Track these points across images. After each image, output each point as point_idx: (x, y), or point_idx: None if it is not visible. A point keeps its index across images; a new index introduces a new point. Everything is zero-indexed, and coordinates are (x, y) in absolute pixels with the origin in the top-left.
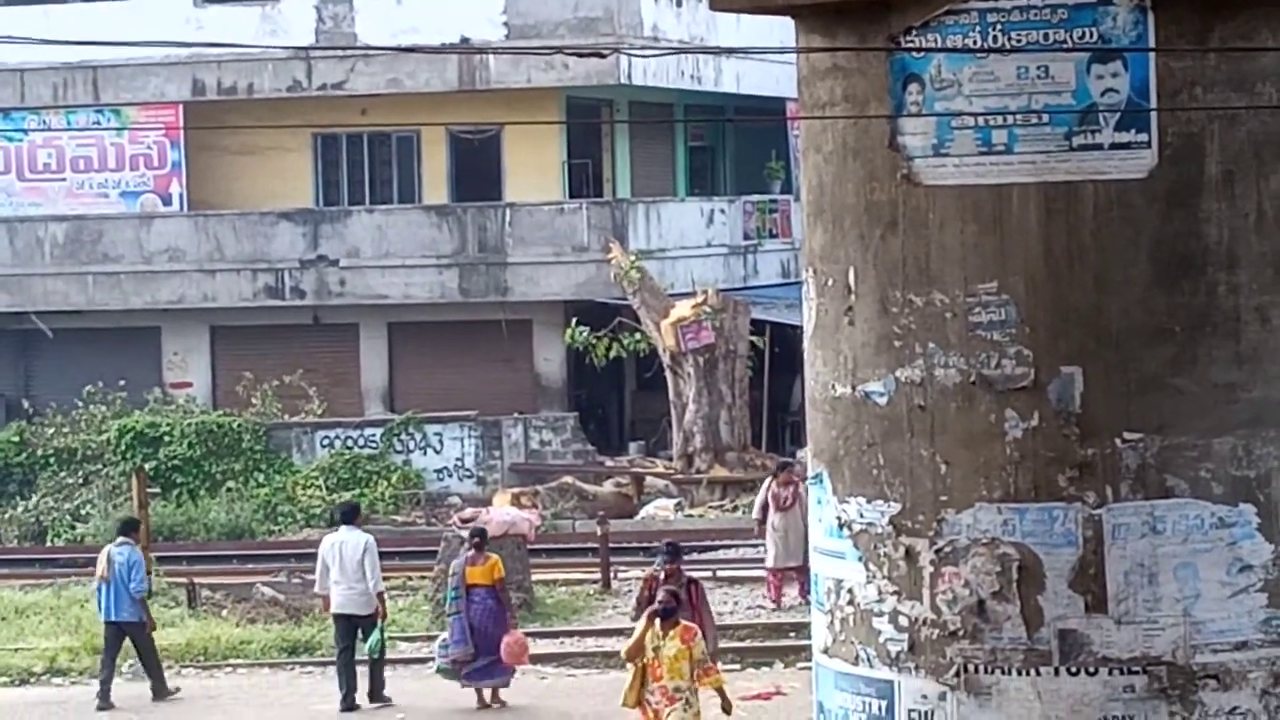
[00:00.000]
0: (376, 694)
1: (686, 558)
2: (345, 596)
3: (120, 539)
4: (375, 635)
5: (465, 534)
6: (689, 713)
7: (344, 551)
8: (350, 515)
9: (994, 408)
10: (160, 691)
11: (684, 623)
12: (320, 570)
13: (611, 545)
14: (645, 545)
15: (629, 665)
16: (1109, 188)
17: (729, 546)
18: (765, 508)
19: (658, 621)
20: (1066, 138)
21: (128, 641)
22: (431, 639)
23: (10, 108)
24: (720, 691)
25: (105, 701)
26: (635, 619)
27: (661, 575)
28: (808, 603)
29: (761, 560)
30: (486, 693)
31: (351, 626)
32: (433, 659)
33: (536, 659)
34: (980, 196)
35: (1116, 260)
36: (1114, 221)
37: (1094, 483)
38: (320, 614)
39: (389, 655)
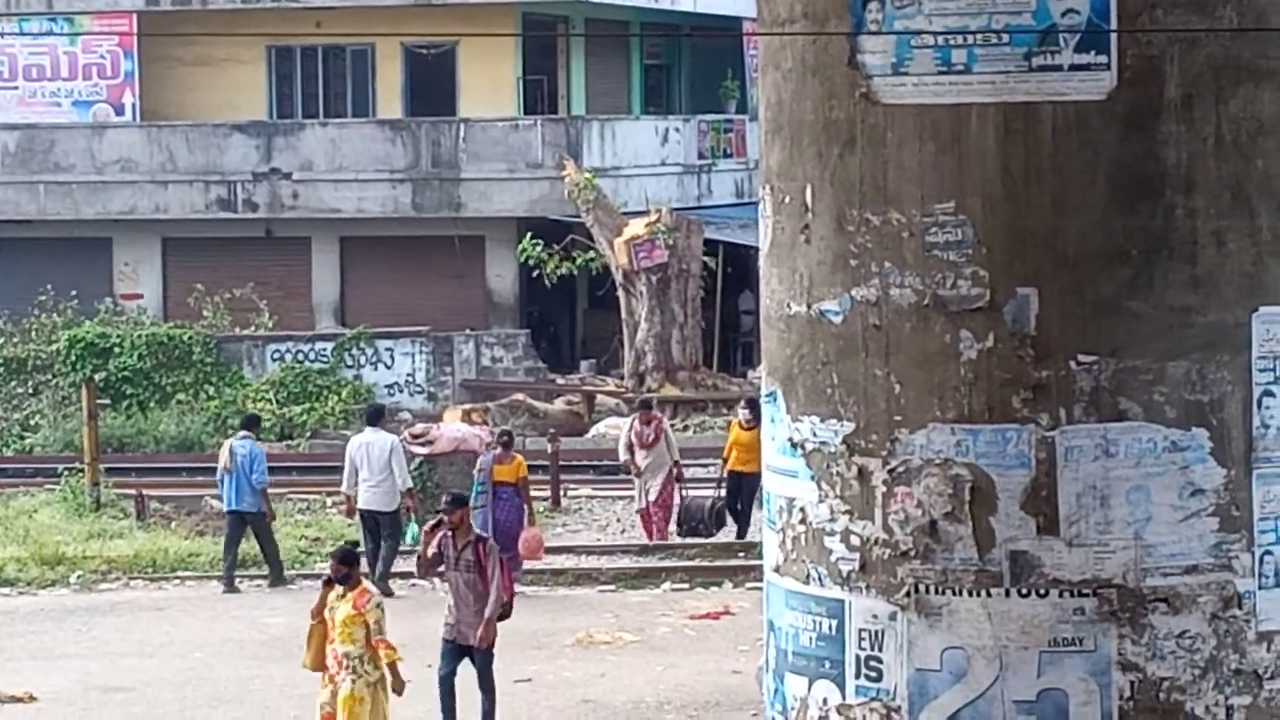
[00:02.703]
0: (385, 582)
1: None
2: (371, 494)
3: (242, 433)
4: (412, 527)
5: (417, 449)
6: (359, 682)
7: (370, 452)
8: (375, 417)
9: (949, 328)
10: (277, 579)
11: (363, 585)
12: (349, 471)
13: (562, 463)
14: (596, 464)
15: (312, 622)
16: (1068, 109)
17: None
18: (630, 449)
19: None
20: (1026, 58)
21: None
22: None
23: None
24: (391, 668)
25: (230, 586)
26: (421, 576)
27: (447, 530)
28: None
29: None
30: None
31: (376, 522)
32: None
33: None
34: (939, 116)
35: (1074, 182)
36: (1072, 143)
37: (1048, 405)
38: (345, 515)
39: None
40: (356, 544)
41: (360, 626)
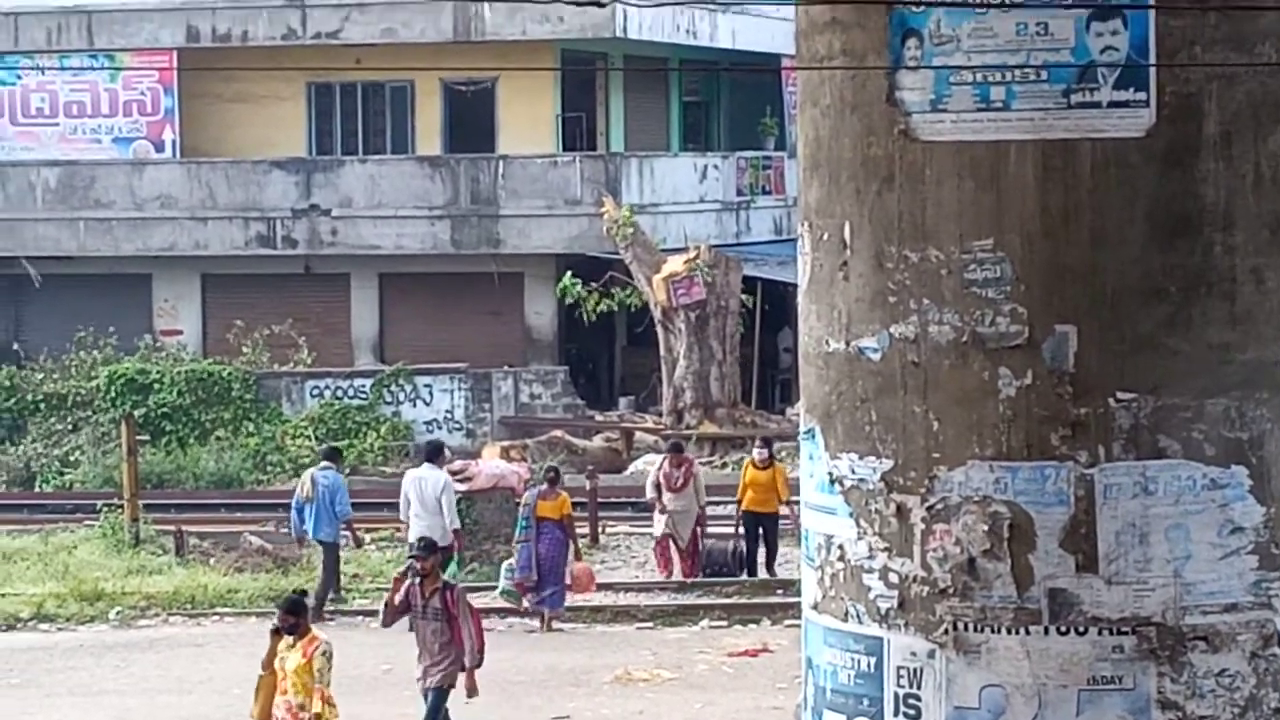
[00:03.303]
0: None
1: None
2: (422, 528)
3: (324, 464)
4: (453, 566)
5: (455, 486)
6: None
7: (423, 487)
8: (433, 454)
9: (988, 365)
10: (318, 609)
11: (313, 634)
12: (403, 502)
13: (600, 500)
14: (634, 501)
15: (262, 674)
16: (1106, 146)
17: (716, 503)
18: (658, 487)
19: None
20: (1065, 95)
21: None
22: None
23: (4, 51)
24: None
25: (319, 609)
26: (384, 624)
27: (416, 577)
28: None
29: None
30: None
31: None
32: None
33: (524, 612)
34: (977, 153)
35: (1113, 219)
36: (1111, 180)
37: (1087, 442)
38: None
39: None
40: (304, 593)
41: (310, 675)
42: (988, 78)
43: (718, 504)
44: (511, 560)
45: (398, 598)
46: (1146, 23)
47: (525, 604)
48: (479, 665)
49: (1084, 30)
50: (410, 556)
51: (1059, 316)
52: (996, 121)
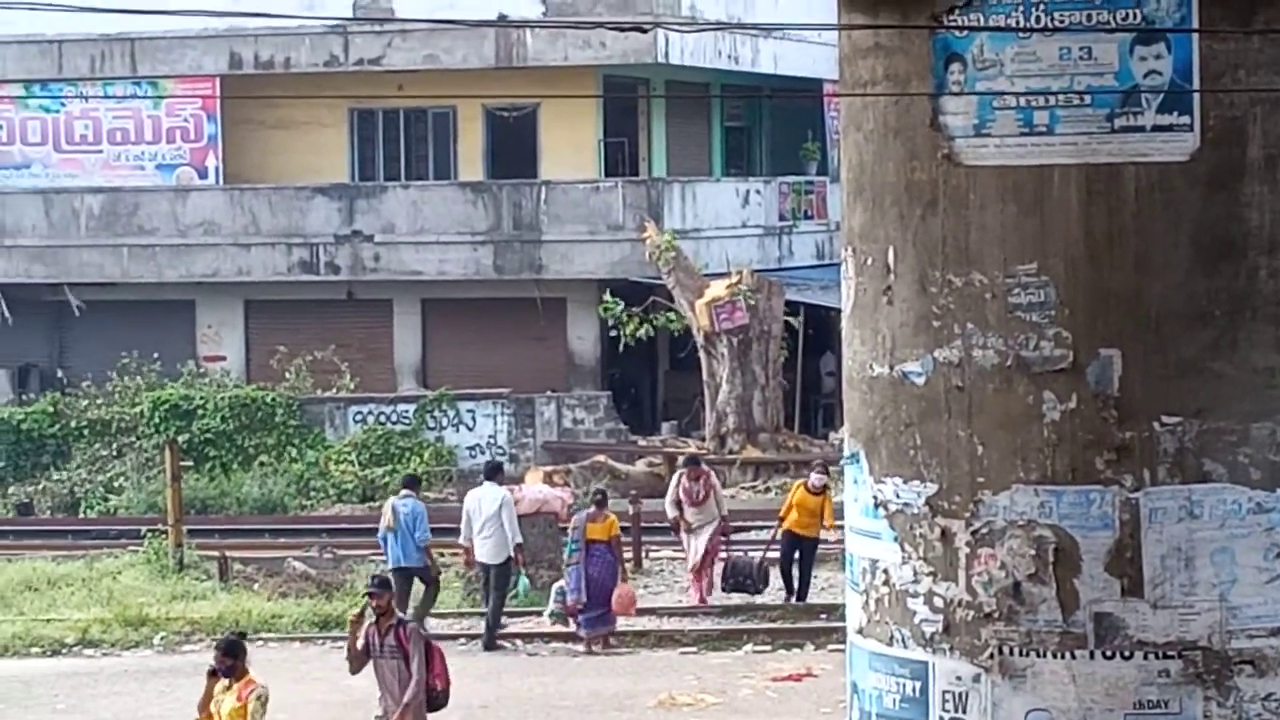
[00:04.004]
0: (490, 638)
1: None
2: (483, 546)
3: (404, 492)
4: (523, 582)
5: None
6: None
7: (483, 505)
8: (492, 472)
9: (1032, 389)
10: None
11: (249, 677)
12: (465, 522)
13: (644, 525)
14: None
15: (198, 716)
16: (1150, 170)
17: (761, 527)
18: (678, 504)
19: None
20: (1108, 119)
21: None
22: (463, 616)
23: (48, 79)
24: None
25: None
26: (353, 672)
27: (374, 615)
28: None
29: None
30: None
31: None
32: (465, 635)
33: (568, 637)
34: (1021, 177)
35: (1157, 243)
36: (1155, 204)
37: (1131, 466)
38: (465, 566)
39: None
40: (243, 634)
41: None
42: (1031, 102)
43: (760, 528)
44: (562, 583)
45: (359, 642)
46: (1190, 47)
47: (574, 627)
48: (440, 706)
49: (1128, 54)
50: (365, 593)
51: (1103, 340)
52: (1040, 146)
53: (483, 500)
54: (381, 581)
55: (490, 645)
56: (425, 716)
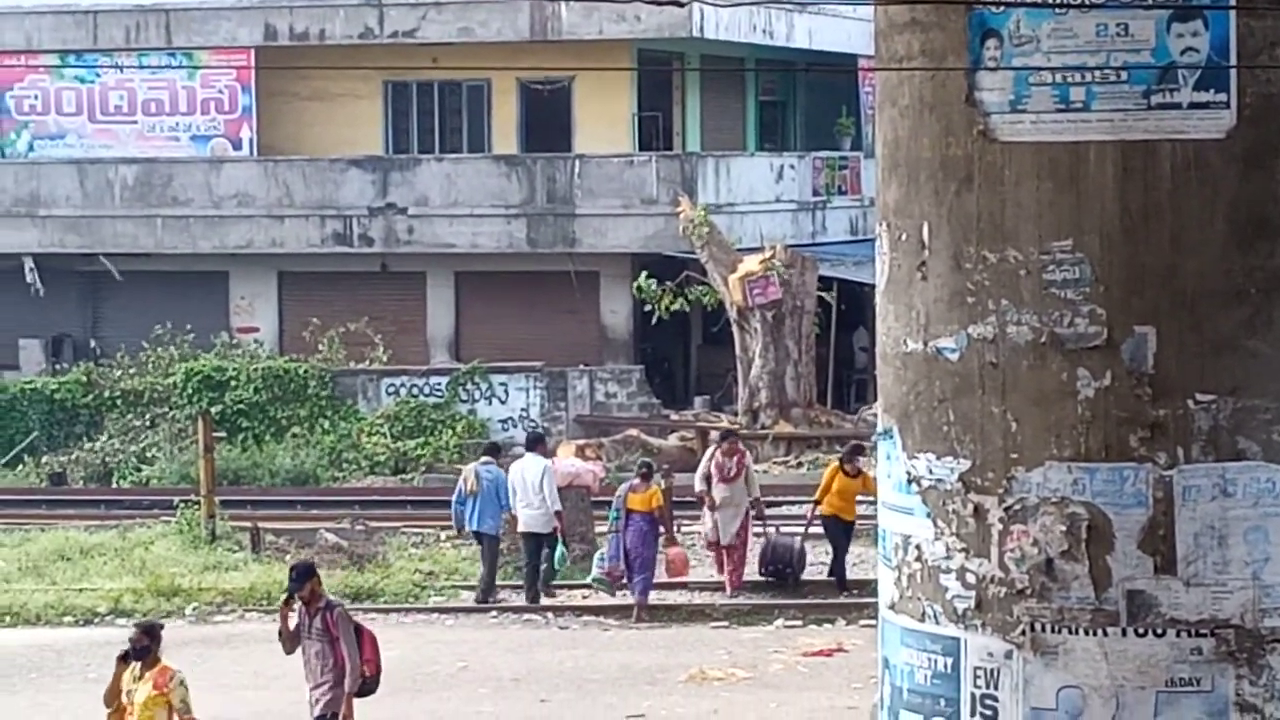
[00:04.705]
0: (533, 599)
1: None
2: (528, 516)
3: (484, 458)
4: (560, 550)
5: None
6: None
7: (526, 476)
8: (533, 443)
9: (1066, 366)
10: (482, 598)
11: (163, 664)
12: (509, 492)
13: (675, 499)
14: None
15: (107, 710)
16: (1186, 147)
17: (793, 503)
18: (708, 479)
19: (134, 663)
20: (1145, 96)
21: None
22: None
23: (83, 49)
24: None
25: (485, 599)
26: (287, 652)
27: (296, 601)
28: (735, 589)
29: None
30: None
31: (537, 543)
32: (497, 608)
33: (599, 610)
34: (1057, 154)
35: (1192, 220)
36: (1191, 181)
37: (1165, 444)
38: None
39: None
40: (160, 624)
41: (163, 708)
42: (1067, 78)
43: (792, 503)
44: (603, 549)
45: (292, 622)
46: (1227, 24)
47: (615, 592)
48: (365, 689)
49: (1164, 31)
50: (287, 590)
51: (1138, 318)
52: (1076, 122)
53: (526, 470)
54: (302, 571)
55: (534, 600)
56: (341, 703)
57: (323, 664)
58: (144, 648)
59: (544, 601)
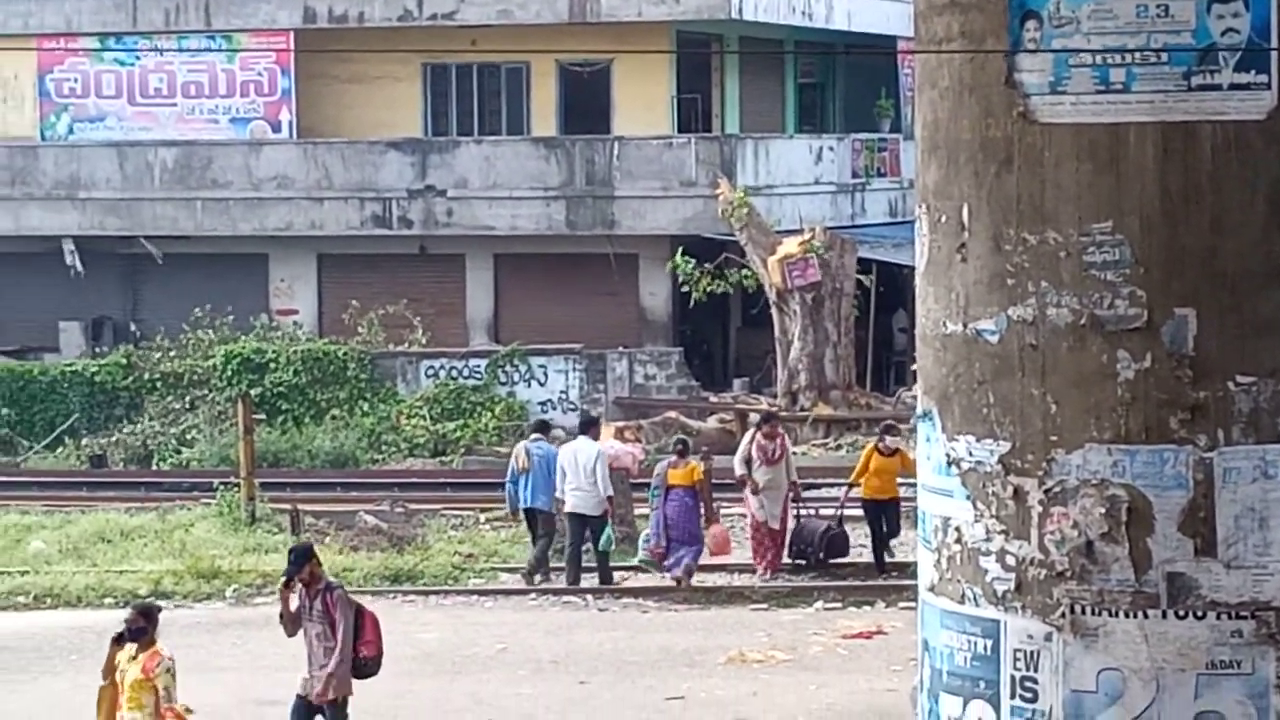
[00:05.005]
0: (605, 581)
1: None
2: (577, 498)
3: (534, 435)
4: (607, 532)
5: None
6: None
7: (577, 459)
8: (585, 426)
9: (1106, 348)
10: (530, 574)
11: (155, 647)
12: (559, 475)
13: (715, 481)
14: None
15: (102, 683)
16: (1227, 129)
17: (832, 484)
18: (748, 462)
19: (129, 644)
20: (1185, 77)
21: None
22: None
23: (123, 32)
24: None
25: (535, 572)
26: (289, 635)
27: (296, 584)
28: (775, 572)
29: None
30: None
31: (582, 525)
32: (536, 590)
33: (639, 592)
34: (1096, 135)
35: (1233, 202)
36: (1231, 163)
37: (1206, 425)
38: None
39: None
40: (158, 607)
41: (149, 692)
42: (1107, 60)
43: (831, 485)
44: (646, 532)
45: (293, 605)
46: (1268, 4)
47: (664, 572)
48: (371, 674)
49: (1205, 12)
50: (285, 574)
51: (1178, 299)
52: (1116, 104)
53: (578, 453)
54: (301, 553)
55: (607, 580)
56: (350, 685)
57: (324, 646)
58: (140, 629)
59: (607, 585)
